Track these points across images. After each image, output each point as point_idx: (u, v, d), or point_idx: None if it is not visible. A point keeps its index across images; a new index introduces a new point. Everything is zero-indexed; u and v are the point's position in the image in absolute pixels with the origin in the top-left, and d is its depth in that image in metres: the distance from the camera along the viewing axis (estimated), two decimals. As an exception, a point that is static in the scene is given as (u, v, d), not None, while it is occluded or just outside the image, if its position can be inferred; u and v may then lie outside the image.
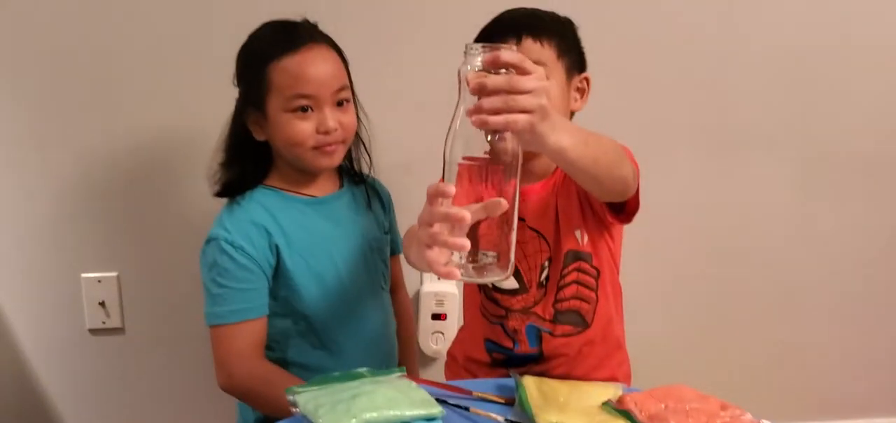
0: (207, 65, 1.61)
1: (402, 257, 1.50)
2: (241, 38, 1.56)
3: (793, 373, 1.76)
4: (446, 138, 0.87)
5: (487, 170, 0.88)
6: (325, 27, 1.33)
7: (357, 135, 1.38)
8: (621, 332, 1.34)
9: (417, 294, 1.78)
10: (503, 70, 0.86)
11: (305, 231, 1.33)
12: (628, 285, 1.33)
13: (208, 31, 1.60)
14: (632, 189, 1.12)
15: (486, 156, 0.89)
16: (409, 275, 1.56)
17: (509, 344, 1.29)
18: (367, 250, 1.39)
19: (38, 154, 1.66)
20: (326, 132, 1.27)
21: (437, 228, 0.86)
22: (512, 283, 1.26)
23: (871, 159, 1.67)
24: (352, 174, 1.43)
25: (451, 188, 0.85)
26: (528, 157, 1.19)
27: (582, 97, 1.24)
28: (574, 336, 1.26)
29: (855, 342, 1.75)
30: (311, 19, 1.32)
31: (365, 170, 1.44)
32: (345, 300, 1.35)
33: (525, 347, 1.28)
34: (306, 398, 1.07)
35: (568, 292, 1.25)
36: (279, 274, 1.31)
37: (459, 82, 0.87)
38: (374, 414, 1.00)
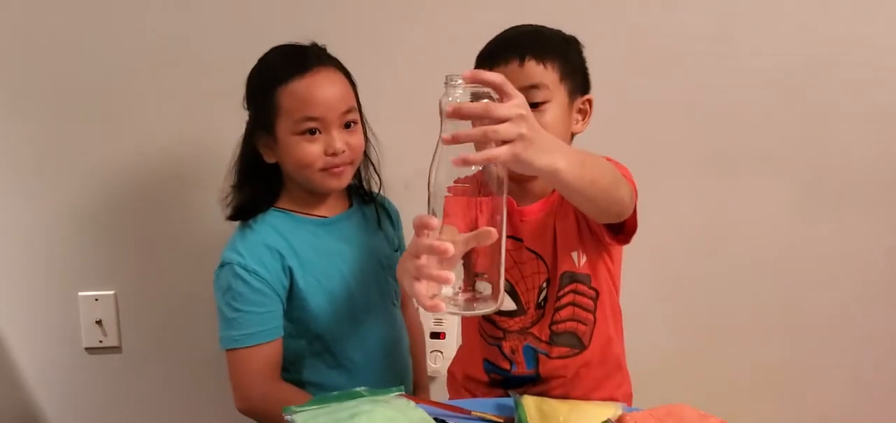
0: (207, 85, 1.62)
1: None
2: (239, 60, 1.57)
3: (794, 390, 1.75)
4: (430, 168, 0.87)
5: (473, 199, 0.88)
6: (333, 49, 1.35)
7: (366, 155, 1.40)
8: (621, 352, 1.33)
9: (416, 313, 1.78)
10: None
11: (317, 252, 1.34)
12: (628, 303, 1.33)
13: (209, 52, 1.61)
14: (629, 210, 1.11)
15: (467, 185, 0.88)
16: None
17: (506, 365, 1.28)
18: (378, 269, 1.40)
19: (36, 172, 1.66)
20: (334, 154, 1.29)
21: (423, 260, 0.85)
22: (509, 304, 1.25)
23: (870, 176, 1.67)
24: (361, 194, 1.44)
25: (436, 221, 0.84)
26: (526, 177, 1.19)
27: (584, 119, 1.23)
28: (571, 358, 1.25)
29: (855, 359, 1.74)
30: (320, 43, 1.34)
31: (374, 189, 1.46)
32: (357, 319, 1.36)
33: (522, 368, 1.27)
34: (305, 417, 1.07)
35: (564, 313, 1.24)
36: (293, 296, 1.33)
37: (441, 113, 0.86)
38: (373, 433, 0.99)
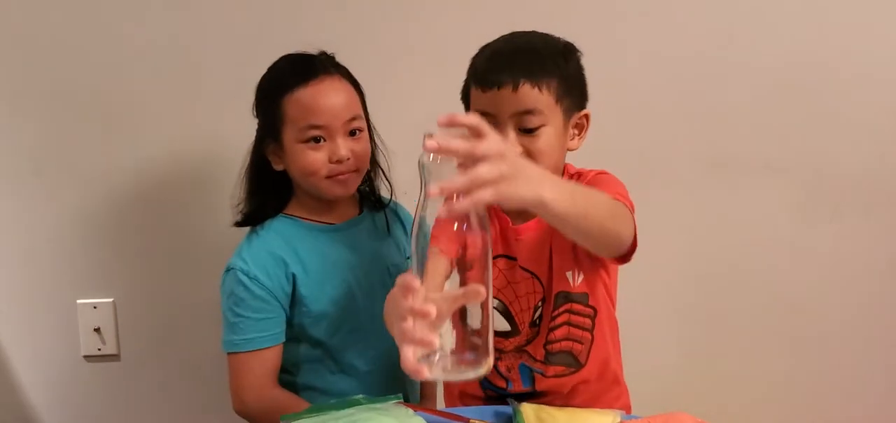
0: (208, 91, 1.62)
1: None
2: (240, 65, 1.58)
3: (793, 396, 1.75)
4: (412, 230, 0.85)
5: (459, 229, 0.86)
6: (331, 51, 1.36)
7: (376, 162, 1.42)
8: (619, 366, 1.32)
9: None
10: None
11: (323, 259, 1.36)
12: (626, 311, 1.32)
13: (208, 58, 1.61)
14: (627, 244, 1.09)
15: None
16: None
17: (502, 383, 1.27)
18: (386, 277, 1.40)
19: (35, 179, 1.66)
20: (339, 161, 1.31)
21: (409, 323, 0.82)
22: (504, 324, 1.23)
23: (869, 181, 1.66)
24: (372, 201, 1.45)
25: (418, 282, 0.82)
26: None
27: (580, 133, 1.20)
28: (567, 376, 1.24)
29: (856, 364, 1.74)
30: (319, 47, 1.35)
31: (386, 195, 1.47)
32: (361, 326, 1.37)
33: (518, 386, 1.26)
34: (302, 425, 1.06)
35: (559, 333, 1.22)
36: (295, 302, 1.34)
37: (420, 171, 0.84)
38: (370, 441, 0.99)
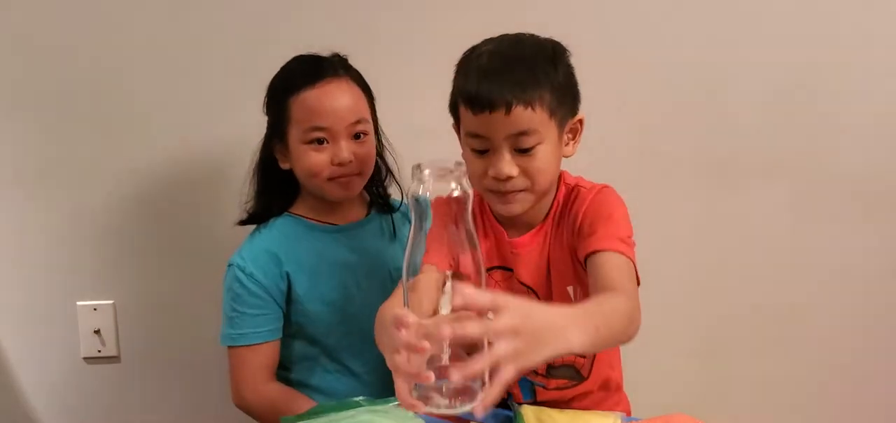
0: (208, 92, 1.62)
1: None
2: (241, 66, 1.58)
3: (793, 399, 1.74)
4: (405, 265, 0.84)
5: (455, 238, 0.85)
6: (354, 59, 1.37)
7: (386, 165, 1.44)
8: (619, 375, 1.31)
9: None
10: None
11: (320, 259, 1.37)
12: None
13: (209, 59, 1.60)
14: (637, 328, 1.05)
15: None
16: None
17: (503, 395, 1.26)
18: (389, 280, 1.40)
19: (35, 180, 1.65)
20: (341, 164, 1.32)
21: (403, 356, 0.81)
22: None
23: (871, 183, 1.66)
24: (379, 203, 1.46)
25: (412, 317, 0.80)
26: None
27: (575, 138, 1.17)
28: (569, 389, 1.24)
29: (857, 367, 1.74)
30: (323, 48, 1.36)
31: (396, 198, 1.48)
32: (359, 328, 1.36)
33: (519, 399, 1.26)
34: (302, 427, 1.06)
35: None
36: (292, 300, 1.36)
37: (412, 206, 0.83)
38: (371, 444, 0.99)
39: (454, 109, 1.16)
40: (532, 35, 1.15)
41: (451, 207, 0.84)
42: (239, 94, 1.56)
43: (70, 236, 1.68)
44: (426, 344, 0.79)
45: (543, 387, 1.24)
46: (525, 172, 1.10)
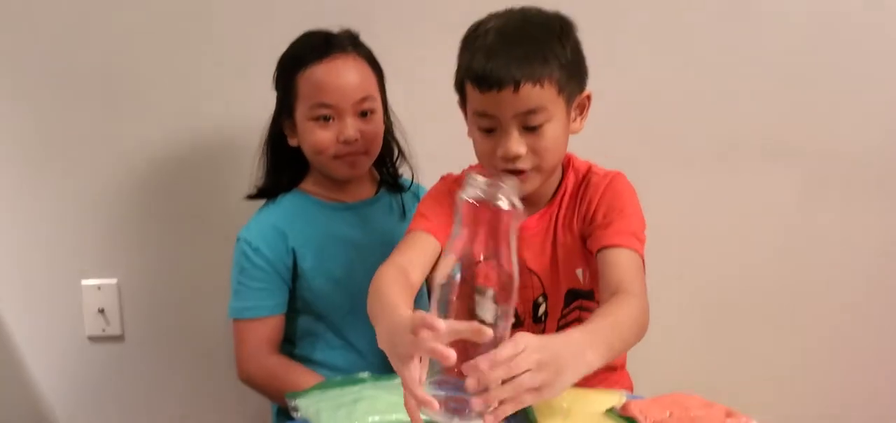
0: (213, 70, 1.61)
1: None
2: (246, 45, 1.57)
3: (798, 380, 1.75)
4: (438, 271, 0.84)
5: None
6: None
7: (397, 144, 1.43)
8: (624, 353, 1.32)
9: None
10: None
11: (326, 236, 1.37)
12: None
13: (214, 37, 1.60)
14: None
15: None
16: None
17: None
18: None
19: (39, 159, 1.66)
20: (346, 142, 1.31)
21: (414, 375, 0.83)
22: None
23: (877, 164, 1.66)
24: (390, 182, 1.46)
25: (442, 324, 0.80)
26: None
27: (582, 114, 1.16)
28: None
29: (861, 348, 1.74)
30: (330, 24, 1.36)
31: (407, 178, 1.48)
32: (364, 305, 1.35)
33: None
34: (307, 402, 1.07)
35: (570, 330, 1.21)
36: (297, 276, 1.37)
37: (456, 210, 0.84)
38: (376, 418, 0.99)
39: (460, 87, 1.14)
40: (538, 9, 1.13)
41: (486, 217, 0.83)
42: (246, 72, 1.56)
43: (74, 215, 1.68)
44: (453, 354, 0.79)
45: None
46: (533, 150, 1.09)
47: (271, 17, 1.56)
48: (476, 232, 0.83)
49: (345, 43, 1.34)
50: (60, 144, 1.65)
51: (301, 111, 1.33)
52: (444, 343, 0.81)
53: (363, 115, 1.33)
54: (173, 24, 1.60)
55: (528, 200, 1.16)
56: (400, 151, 1.45)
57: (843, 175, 1.67)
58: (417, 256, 1.11)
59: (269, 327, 1.35)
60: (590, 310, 1.20)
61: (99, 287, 1.71)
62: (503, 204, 0.83)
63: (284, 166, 1.40)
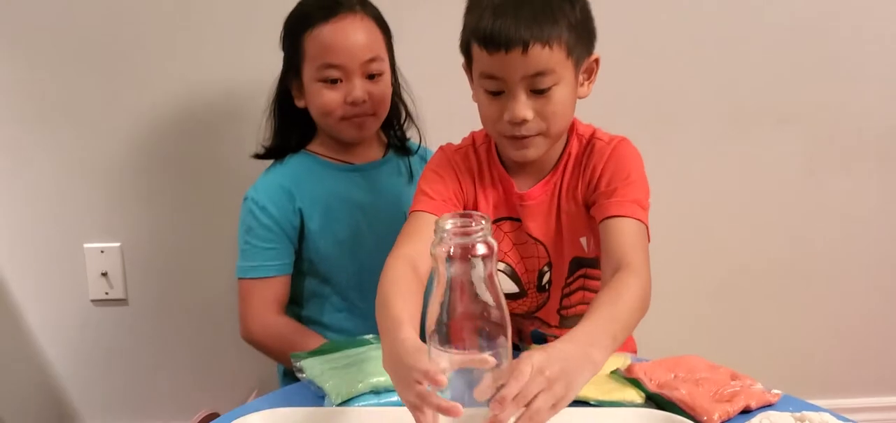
0: (216, 34, 1.60)
1: None
2: (248, 8, 1.55)
3: (803, 348, 1.75)
4: (431, 305, 0.80)
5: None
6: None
7: (405, 106, 1.42)
8: None
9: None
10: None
11: (334, 197, 1.36)
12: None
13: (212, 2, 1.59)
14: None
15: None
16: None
17: (515, 340, 1.26)
18: (402, 221, 1.37)
19: (41, 123, 1.65)
20: (354, 103, 1.30)
21: (429, 417, 0.79)
22: (512, 287, 1.20)
23: (883, 133, 1.65)
24: (396, 145, 1.44)
25: (444, 378, 0.77)
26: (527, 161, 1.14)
27: (590, 79, 1.13)
28: None
29: (865, 312, 1.74)
30: None
31: (415, 141, 1.46)
32: (371, 268, 1.34)
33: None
34: (312, 362, 1.07)
35: (574, 298, 1.20)
36: (304, 237, 1.36)
37: (437, 263, 0.80)
38: (382, 379, 0.99)
39: (465, 48, 1.11)
40: None
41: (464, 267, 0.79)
42: (248, 36, 1.55)
43: (76, 178, 1.67)
44: (459, 408, 0.77)
45: (555, 338, 1.23)
46: (541, 114, 1.07)
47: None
48: (456, 281, 0.80)
49: (352, 1, 1.32)
50: (62, 108, 1.64)
51: (308, 72, 1.31)
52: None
53: (371, 77, 1.31)
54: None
55: (533, 167, 1.16)
56: (407, 113, 1.44)
57: (849, 142, 1.66)
58: (424, 244, 1.09)
59: (274, 287, 1.35)
60: (593, 279, 1.19)
61: (102, 251, 1.71)
62: (480, 248, 0.80)
63: (292, 127, 1.38)
